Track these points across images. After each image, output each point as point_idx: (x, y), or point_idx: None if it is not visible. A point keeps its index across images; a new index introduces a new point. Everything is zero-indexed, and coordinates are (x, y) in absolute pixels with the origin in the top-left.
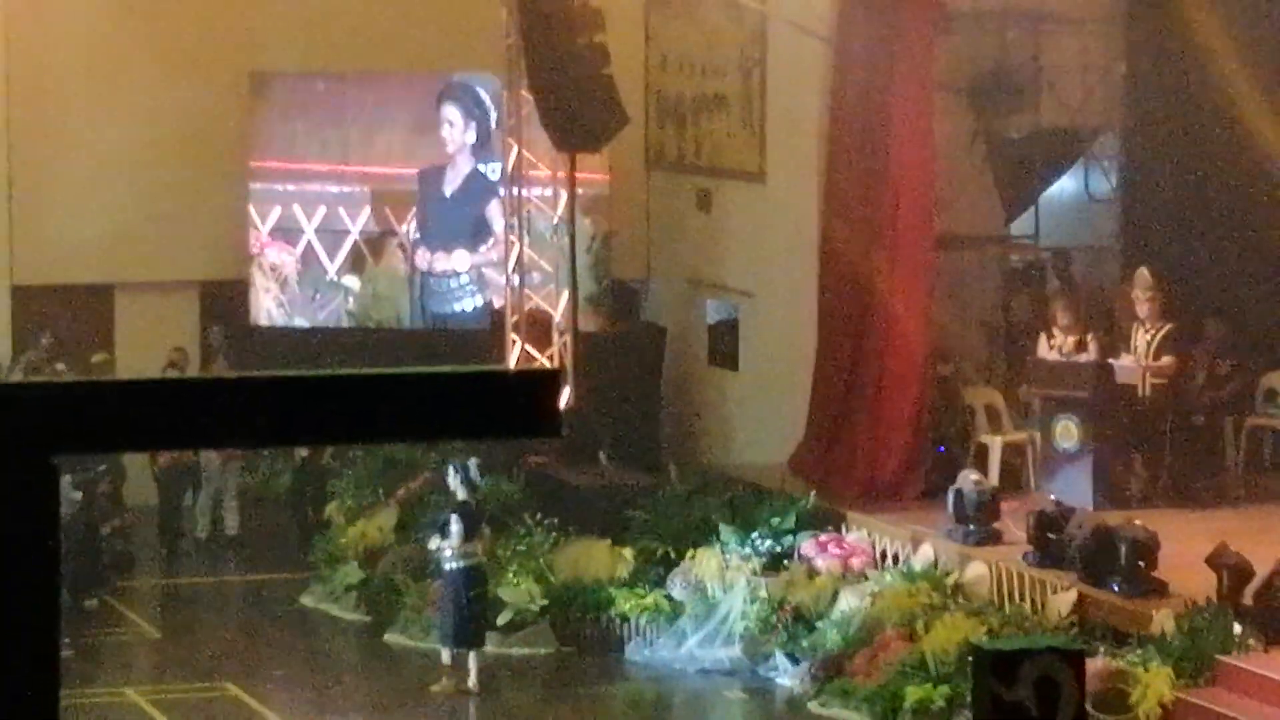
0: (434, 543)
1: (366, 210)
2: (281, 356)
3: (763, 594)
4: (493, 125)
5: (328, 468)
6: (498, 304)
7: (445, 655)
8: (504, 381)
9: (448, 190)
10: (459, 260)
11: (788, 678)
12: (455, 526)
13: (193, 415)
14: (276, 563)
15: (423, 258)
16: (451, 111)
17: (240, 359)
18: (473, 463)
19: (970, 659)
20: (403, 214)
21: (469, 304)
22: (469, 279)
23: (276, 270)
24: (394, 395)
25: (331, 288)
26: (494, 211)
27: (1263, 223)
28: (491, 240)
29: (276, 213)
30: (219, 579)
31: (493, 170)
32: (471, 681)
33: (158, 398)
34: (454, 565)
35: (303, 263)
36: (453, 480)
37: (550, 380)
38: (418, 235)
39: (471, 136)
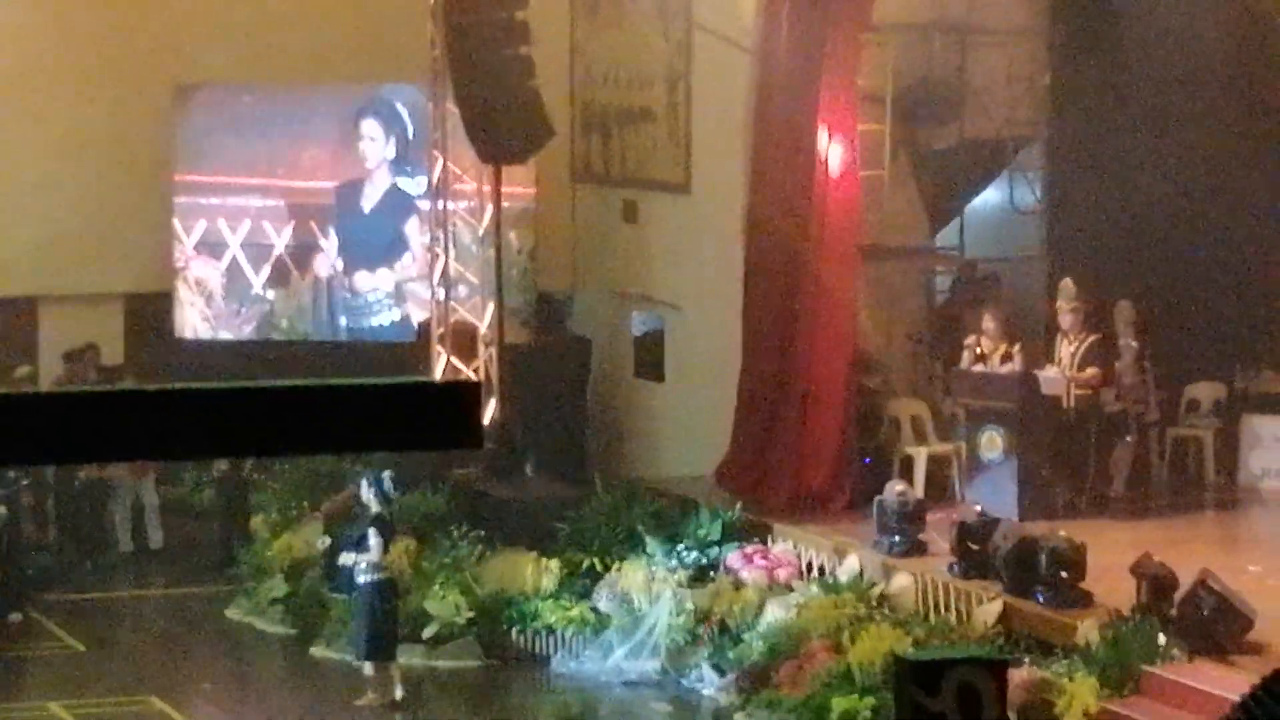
0: (348, 557)
1: (291, 224)
2: (206, 369)
3: (689, 606)
4: (411, 140)
5: (252, 480)
6: (419, 318)
7: (368, 668)
8: (425, 393)
9: (366, 206)
10: (379, 277)
11: (714, 689)
12: (374, 540)
13: (116, 428)
14: (201, 576)
15: (340, 273)
16: (371, 126)
17: (165, 372)
18: (386, 475)
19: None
20: (327, 228)
21: (386, 318)
22: (386, 294)
23: (201, 284)
24: (316, 407)
25: (256, 301)
26: (413, 227)
27: (1186, 233)
28: (409, 256)
29: (202, 226)
30: (143, 592)
31: (417, 184)
32: (397, 693)
33: (81, 410)
34: (368, 578)
35: (227, 276)
36: (366, 493)
37: (471, 391)
38: (336, 251)
39: (391, 151)
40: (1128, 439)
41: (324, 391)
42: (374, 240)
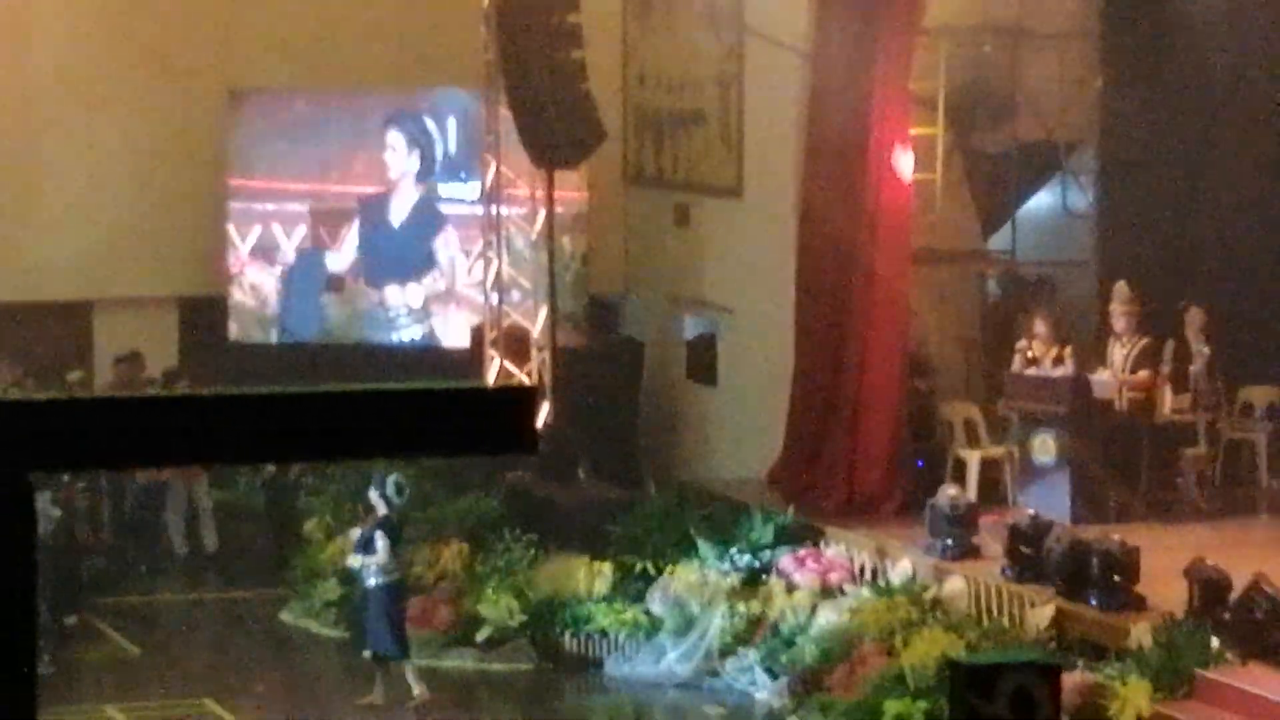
0: (356, 560)
1: (344, 229)
2: (259, 374)
3: (741, 609)
4: (439, 154)
5: (302, 484)
6: (471, 323)
7: (408, 670)
8: (480, 398)
9: (395, 220)
10: (408, 293)
11: (766, 693)
12: (380, 542)
13: (170, 432)
14: (255, 579)
15: (365, 287)
16: (395, 137)
17: (218, 376)
18: (392, 479)
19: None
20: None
21: (408, 334)
22: (411, 309)
23: (255, 288)
24: (369, 412)
25: (309, 305)
26: (442, 243)
27: (1239, 236)
28: (437, 272)
29: (257, 231)
30: (198, 595)
31: (469, 189)
32: (416, 691)
33: (135, 415)
34: (377, 581)
35: (281, 280)
36: (374, 495)
37: (527, 396)
38: (360, 264)
39: (415, 164)
40: (1202, 447)
41: (377, 397)
42: (402, 256)
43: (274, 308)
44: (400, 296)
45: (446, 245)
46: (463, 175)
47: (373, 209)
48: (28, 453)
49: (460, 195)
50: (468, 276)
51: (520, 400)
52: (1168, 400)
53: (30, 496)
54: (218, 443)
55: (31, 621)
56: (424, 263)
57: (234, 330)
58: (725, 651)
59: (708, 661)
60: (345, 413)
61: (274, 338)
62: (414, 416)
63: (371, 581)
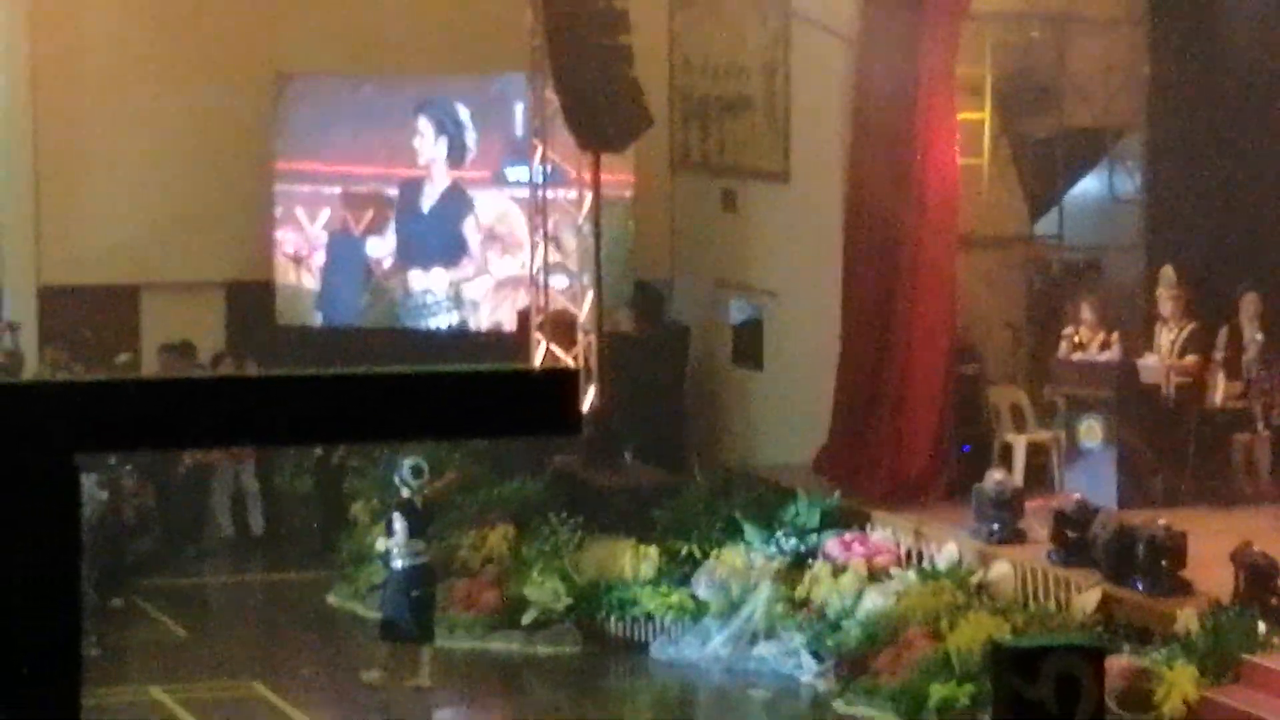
0: (381, 543)
1: (391, 213)
2: (306, 357)
3: (786, 593)
4: (469, 142)
5: (348, 466)
6: (518, 306)
7: (424, 653)
8: (524, 380)
9: (425, 205)
10: (434, 279)
11: (812, 676)
12: (398, 525)
13: (213, 414)
14: (301, 562)
15: (407, 272)
16: (423, 123)
17: (266, 360)
18: (408, 462)
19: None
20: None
21: (443, 320)
22: (445, 296)
23: (301, 272)
24: (413, 394)
25: (354, 291)
26: (470, 228)
27: None
28: (467, 259)
29: (303, 214)
30: (244, 578)
31: (520, 174)
32: (424, 679)
33: (179, 396)
34: (399, 564)
35: (326, 265)
36: (396, 478)
37: (570, 379)
38: (398, 249)
39: (442, 150)
40: (1255, 433)
41: (422, 379)
42: (433, 242)
43: (320, 291)
44: (439, 281)
45: (477, 231)
46: (517, 159)
47: (408, 195)
48: (72, 434)
49: (516, 180)
50: (511, 261)
51: (563, 382)
52: (1220, 387)
53: (76, 478)
54: (258, 424)
55: (76, 602)
56: (454, 249)
57: (281, 314)
58: (770, 635)
59: (753, 645)
60: (391, 395)
61: (319, 322)
62: (458, 399)
63: (394, 564)
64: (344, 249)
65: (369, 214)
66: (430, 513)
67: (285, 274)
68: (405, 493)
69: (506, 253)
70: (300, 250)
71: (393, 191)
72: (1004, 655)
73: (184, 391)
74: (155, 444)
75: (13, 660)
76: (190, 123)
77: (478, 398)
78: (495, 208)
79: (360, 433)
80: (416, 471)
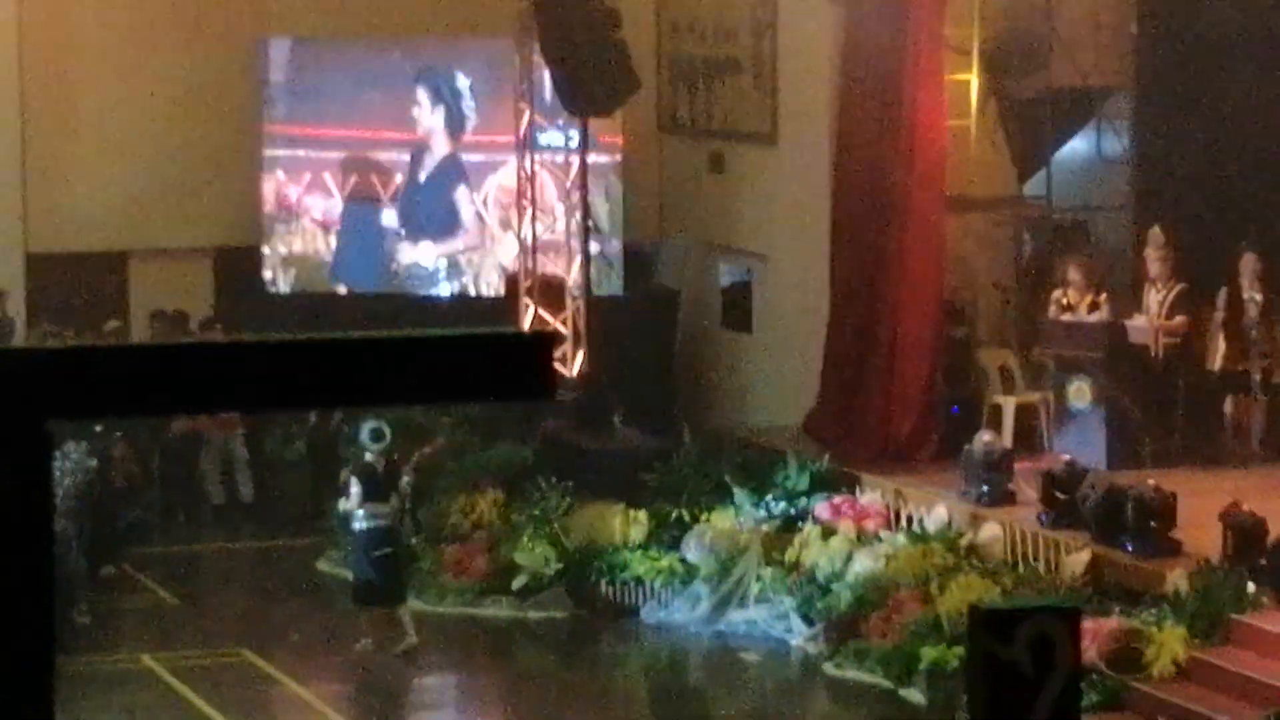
0: (343, 504)
1: (380, 179)
2: (295, 323)
3: (777, 556)
4: (466, 112)
5: (342, 433)
6: (500, 274)
7: (404, 614)
8: (496, 344)
9: (422, 175)
10: (436, 247)
11: (802, 640)
12: (354, 488)
13: (185, 379)
14: (292, 528)
15: (403, 240)
16: (420, 92)
17: (255, 326)
18: (367, 425)
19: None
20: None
21: (443, 289)
22: (442, 262)
23: (288, 238)
24: (386, 359)
25: (350, 257)
26: (462, 198)
27: (1276, 180)
28: (460, 228)
29: (289, 180)
30: (234, 545)
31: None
32: (410, 637)
33: (150, 362)
34: (359, 526)
35: (316, 229)
36: (359, 442)
37: (544, 342)
38: (398, 216)
39: (439, 121)
40: (1260, 398)
41: (395, 343)
42: (427, 212)
43: (308, 256)
44: (431, 250)
45: (470, 201)
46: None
47: (412, 163)
48: (44, 402)
49: (497, 144)
50: (499, 227)
51: (537, 345)
52: (1220, 348)
53: (49, 446)
54: (230, 389)
55: (49, 570)
56: (448, 218)
57: (269, 280)
58: (761, 599)
59: (743, 609)
60: (359, 360)
61: (308, 287)
62: (431, 363)
63: (355, 526)
64: (343, 215)
65: (359, 180)
66: (394, 476)
67: (272, 240)
68: (368, 456)
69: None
70: (288, 214)
71: (384, 156)
72: (979, 617)
73: (153, 357)
74: (127, 410)
75: None
76: (177, 88)
77: (449, 362)
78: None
79: (331, 398)
80: (376, 435)
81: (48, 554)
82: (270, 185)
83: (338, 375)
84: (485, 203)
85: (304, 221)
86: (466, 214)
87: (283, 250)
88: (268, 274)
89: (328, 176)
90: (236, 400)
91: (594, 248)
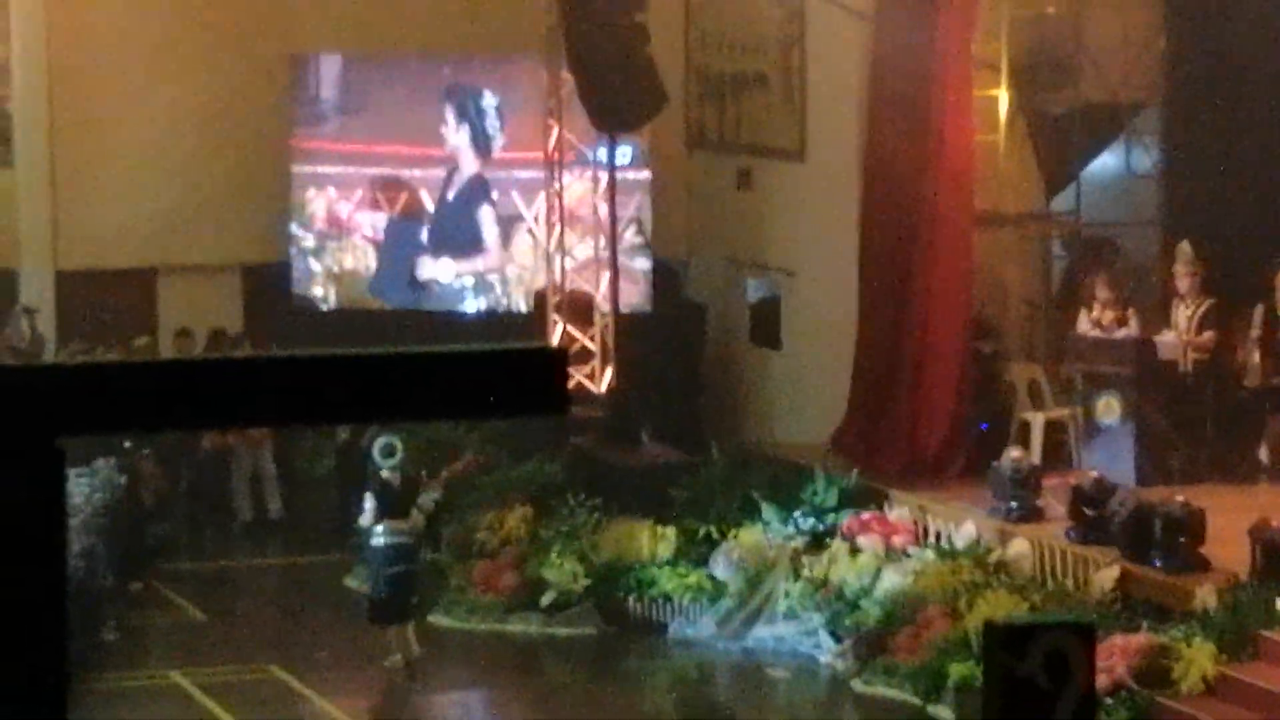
0: (364, 519)
1: (403, 195)
2: (323, 339)
3: (805, 572)
4: (491, 130)
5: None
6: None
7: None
8: (508, 360)
9: (450, 194)
10: (463, 265)
11: (830, 656)
12: (368, 504)
13: (196, 395)
14: (320, 544)
15: (430, 257)
16: (447, 110)
17: (283, 342)
18: (379, 440)
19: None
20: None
21: (469, 306)
22: (467, 283)
23: (319, 254)
24: (394, 374)
25: (381, 274)
26: (486, 218)
27: None
28: (483, 246)
29: (319, 197)
30: (262, 561)
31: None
32: (414, 650)
33: (161, 378)
34: (377, 542)
35: (344, 246)
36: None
37: (556, 357)
38: (429, 234)
39: (464, 139)
40: None
41: (408, 359)
42: (451, 231)
43: (337, 273)
44: (450, 267)
45: (494, 222)
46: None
47: (445, 181)
48: (56, 419)
49: (527, 162)
50: (528, 244)
51: (551, 360)
52: (1256, 365)
53: (61, 463)
54: (243, 405)
55: (62, 585)
56: (470, 237)
57: (297, 297)
58: (789, 615)
59: (771, 625)
60: (369, 376)
61: (337, 303)
62: (443, 378)
63: (372, 543)
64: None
65: (387, 197)
66: (413, 492)
67: (301, 257)
68: (385, 473)
69: (586, 236)
70: (318, 232)
71: (415, 174)
72: (994, 632)
73: (165, 373)
74: (138, 426)
75: None
76: (204, 105)
77: (462, 377)
78: (572, 190)
79: (342, 414)
80: (387, 451)
81: (60, 569)
82: (305, 201)
83: (345, 390)
84: (537, 219)
85: (347, 238)
86: (489, 234)
87: (317, 267)
88: (317, 290)
89: (359, 192)
90: (246, 416)
91: (643, 263)
